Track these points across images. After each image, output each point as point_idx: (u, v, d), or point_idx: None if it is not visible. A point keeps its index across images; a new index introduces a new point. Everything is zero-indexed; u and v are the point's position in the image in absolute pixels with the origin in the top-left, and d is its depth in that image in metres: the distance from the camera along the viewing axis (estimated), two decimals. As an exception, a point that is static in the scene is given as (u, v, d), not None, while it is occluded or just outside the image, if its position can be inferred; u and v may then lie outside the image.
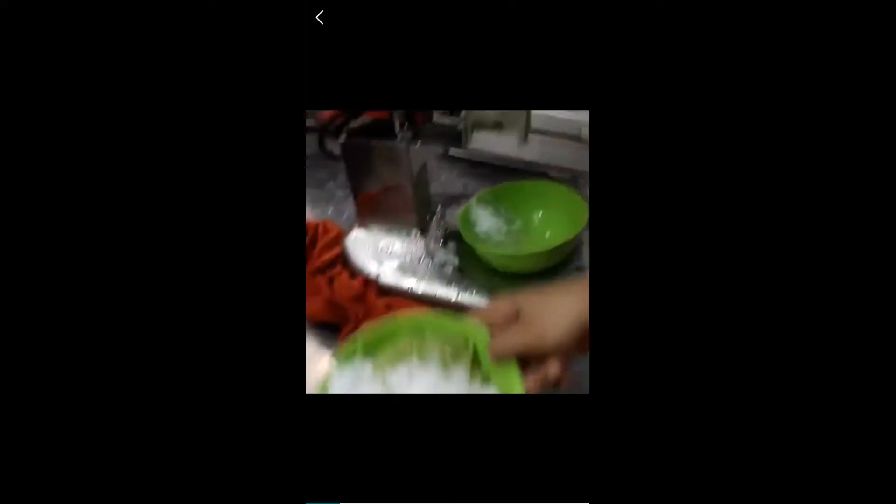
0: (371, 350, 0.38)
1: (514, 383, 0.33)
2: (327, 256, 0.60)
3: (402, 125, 0.52)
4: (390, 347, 0.37)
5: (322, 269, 0.59)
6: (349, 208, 0.66)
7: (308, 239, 0.61)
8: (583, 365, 0.51)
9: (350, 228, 0.63)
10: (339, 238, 0.62)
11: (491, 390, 0.35)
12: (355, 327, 0.53)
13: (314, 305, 0.54)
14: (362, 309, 0.54)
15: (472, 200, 0.60)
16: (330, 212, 0.69)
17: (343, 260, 0.60)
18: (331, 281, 0.58)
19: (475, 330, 0.37)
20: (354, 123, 0.56)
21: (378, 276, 0.58)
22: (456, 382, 0.35)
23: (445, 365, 0.36)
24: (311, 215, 0.67)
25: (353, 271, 0.59)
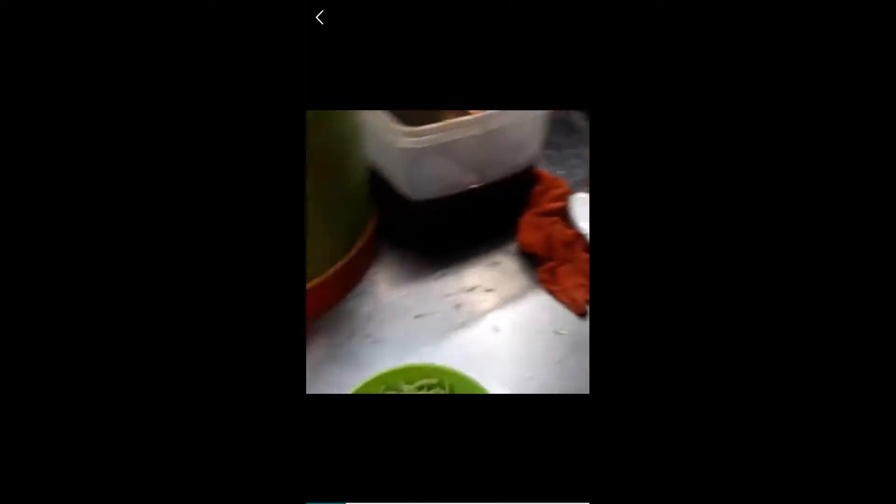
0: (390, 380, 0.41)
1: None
2: (552, 206, 0.68)
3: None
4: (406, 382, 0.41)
5: (545, 214, 0.68)
6: (579, 174, 0.74)
7: (542, 187, 0.70)
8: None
9: (575, 190, 0.71)
10: (565, 195, 0.70)
11: None
12: (556, 266, 0.62)
13: (532, 237, 0.63)
14: (570, 254, 0.63)
15: None
16: (561, 173, 0.74)
17: (563, 214, 0.69)
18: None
19: (447, 372, 0.40)
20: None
21: (587, 235, 0.64)
22: None
23: None
24: (545, 170, 0.76)
25: (568, 224, 0.67)
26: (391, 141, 0.47)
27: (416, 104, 0.32)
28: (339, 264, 0.50)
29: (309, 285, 0.48)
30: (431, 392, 0.41)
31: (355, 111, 0.47)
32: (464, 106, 0.34)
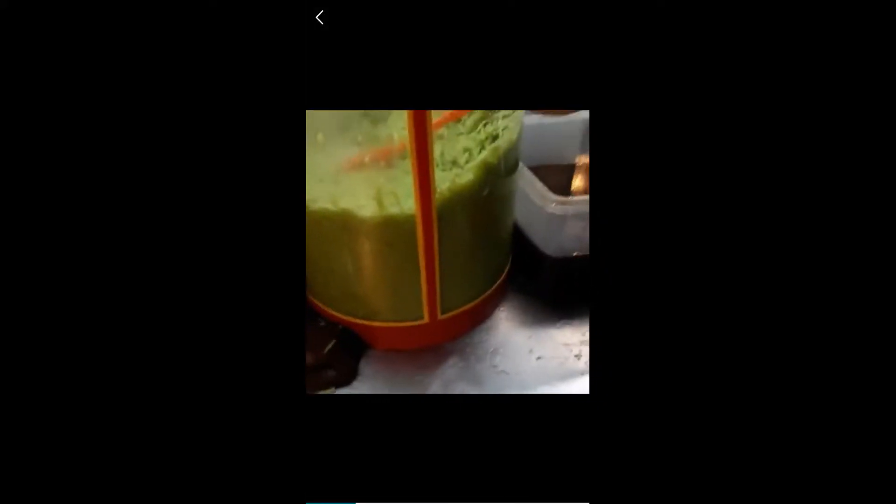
0: None
1: None
2: None
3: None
4: None
5: None
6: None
7: None
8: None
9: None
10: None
11: None
12: None
13: None
14: None
15: None
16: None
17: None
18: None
19: None
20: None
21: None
22: None
23: None
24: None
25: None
26: (542, 205, 0.54)
27: (416, 104, 0.32)
28: (476, 301, 0.55)
29: (447, 315, 0.53)
30: None
31: (519, 176, 0.53)
32: (464, 106, 0.34)
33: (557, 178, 0.66)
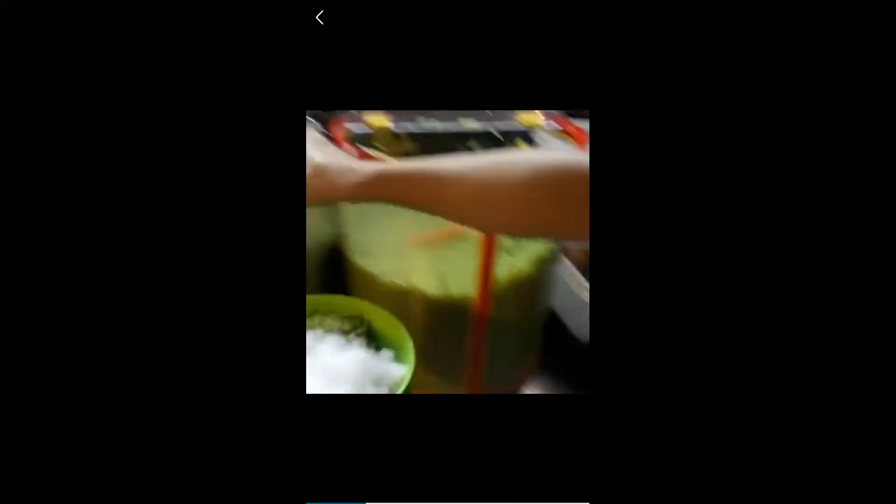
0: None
1: (406, 351, 0.38)
2: None
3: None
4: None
5: None
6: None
7: None
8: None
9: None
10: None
11: (385, 356, 0.40)
12: None
13: None
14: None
15: None
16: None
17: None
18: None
19: (369, 308, 0.43)
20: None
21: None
22: (356, 349, 0.39)
23: (346, 337, 0.41)
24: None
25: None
26: (576, 291, 0.56)
27: (416, 104, 0.31)
28: (503, 384, 0.54)
29: (468, 391, 0.53)
30: (355, 331, 0.42)
31: (550, 263, 0.53)
32: (464, 106, 0.33)
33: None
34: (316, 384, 0.38)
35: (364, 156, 0.46)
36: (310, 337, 0.41)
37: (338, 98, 0.31)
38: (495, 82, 0.31)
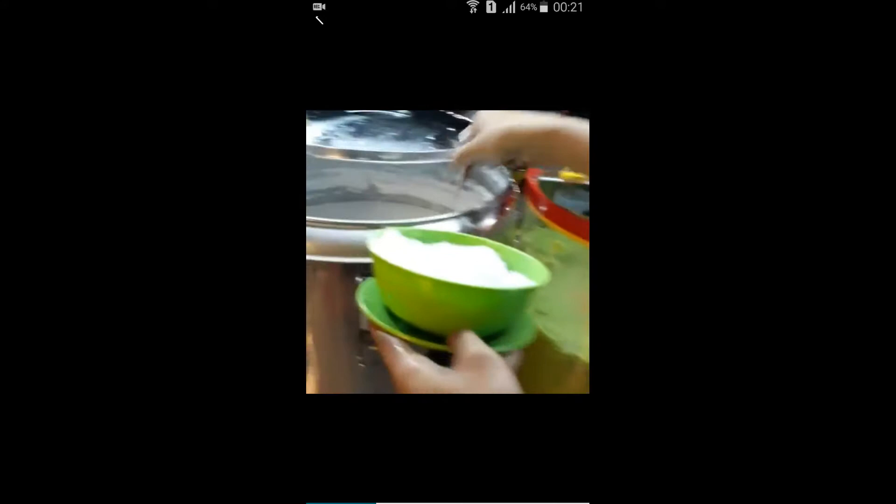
0: (422, 237, 0.39)
1: (537, 270, 0.35)
2: None
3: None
4: (436, 241, 0.39)
5: None
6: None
7: None
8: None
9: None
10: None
11: (517, 275, 0.36)
12: None
13: None
14: None
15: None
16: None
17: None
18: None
19: (497, 245, 0.39)
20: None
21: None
22: (491, 264, 0.36)
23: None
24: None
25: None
26: None
27: (416, 104, 0.32)
28: None
29: None
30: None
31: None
32: (465, 106, 0.33)
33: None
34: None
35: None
36: (443, 247, 0.39)
37: (338, 98, 0.31)
38: (495, 82, 0.31)
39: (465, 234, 0.41)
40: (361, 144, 0.55)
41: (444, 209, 0.55)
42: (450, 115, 0.69)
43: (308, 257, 0.44)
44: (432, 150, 0.56)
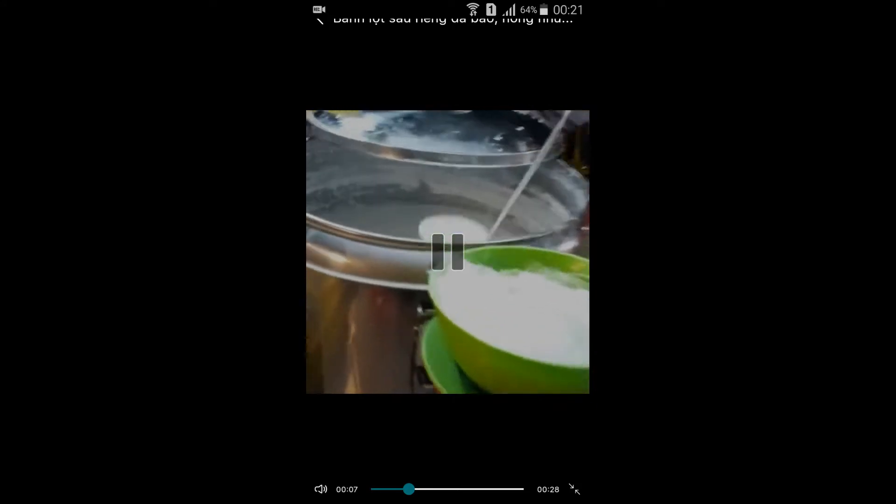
0: (496, 262, 0.38)
1: None
2: None
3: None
4: (516, 265, 0.38)
5: None
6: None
7: None
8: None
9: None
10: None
11: None
12: None
13: None
14: None
15: None
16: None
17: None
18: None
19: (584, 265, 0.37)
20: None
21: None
22: (579, 299, 0.35)
23: (572, 287, 0.36)
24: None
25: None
26: None
27: (416, 104, 0.32)
28: None
29: None
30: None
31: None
32: (465, 106, 0.34)
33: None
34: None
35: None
36: (526, 278, 0.37)
37: (338, 98, 0.31)
38: (495, 82, 0.31)
39: (544, 251, 0.38)
40: (420, 143, 0.51)
41: (505, 217, 0.52)
42: (516, 114, 0.64)
43: (363, 280, 0.41)
44: (500, 153, 0.52)
